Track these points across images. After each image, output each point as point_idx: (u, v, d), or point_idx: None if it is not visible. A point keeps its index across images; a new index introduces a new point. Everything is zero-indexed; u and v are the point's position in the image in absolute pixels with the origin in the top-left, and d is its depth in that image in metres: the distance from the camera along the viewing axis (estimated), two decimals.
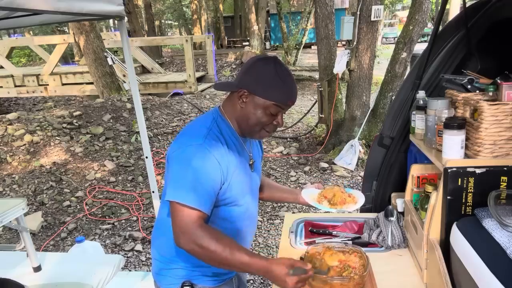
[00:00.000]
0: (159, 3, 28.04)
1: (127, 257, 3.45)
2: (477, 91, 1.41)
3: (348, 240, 1.80)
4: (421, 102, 1.61)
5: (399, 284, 1.47)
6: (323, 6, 5.50)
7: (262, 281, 3.09)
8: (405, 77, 3.52)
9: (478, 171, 1.28)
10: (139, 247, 3.59)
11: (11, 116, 6.24)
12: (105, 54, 7.83)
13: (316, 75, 10.01)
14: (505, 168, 1.27)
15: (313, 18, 11.49)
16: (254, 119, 1.31)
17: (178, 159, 1.28)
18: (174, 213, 1.25)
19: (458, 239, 1.23)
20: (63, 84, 9.58)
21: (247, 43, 17.82)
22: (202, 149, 1.26)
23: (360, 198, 1.55)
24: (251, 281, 3.06)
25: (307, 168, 5.33)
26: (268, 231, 3.83)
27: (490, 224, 1.17)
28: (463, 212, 1.32)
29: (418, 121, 1.65)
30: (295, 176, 5.11)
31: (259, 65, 1.30)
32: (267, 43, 21.28)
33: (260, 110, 1.30)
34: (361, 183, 3.41)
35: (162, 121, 6.84)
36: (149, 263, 3.37)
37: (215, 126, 1.34)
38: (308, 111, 7.39)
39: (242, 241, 1.43)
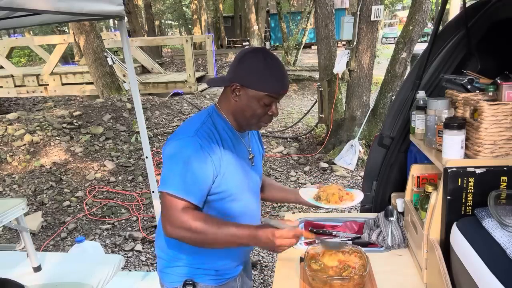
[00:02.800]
0: (159, 3, 28.03)
1: (127, 257, 3.45)
2: (477, 91, 1.41)
3: (348, 240, 1.80)
4: (421, 102, 1.61)
5: (399, 284, 1.47)
6: (323, 6, 5.50)
7: (262, 281, 3.10)
8: (405, 77, 3.51)
9: (478, 171, 1.28)
10: (139, 247, 3.59)
11: (11, 116, 6.24)
12: (105, 54, 7.83)
13: (316, 75, 10.01)
14: (505, 168, 1.27)
15: (313, 18, 11.49)
16: (250, 111, 1.33)
17: (169, 153, 1.30)
18: (163, 203, 1.27)
19: (458, 239, 1.23)
20: (63, 84, 9.57)
21: (247, 43, 17.82)
22: (192, 142, 1.27)
23: (358, 196, 1.54)
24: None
25: (307, 168, 5.33)
26: None
27: (490, 224, 1.17)
28: (463, 212, 1.32)
29: (418, 121, 1.65)
30: (295, 176, 5.11)
31: (248, 57, 1.32)
32: (267, 43, 21.28)
33: (254, 102, 1.31)
34: (361, 183, 3.41)
35: (162, 121, 6.84)
36: (149, 263, 3.37)
37: (209, 121, 1.36)
38: (308, 111, 7.40)
39: None
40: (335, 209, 1.57)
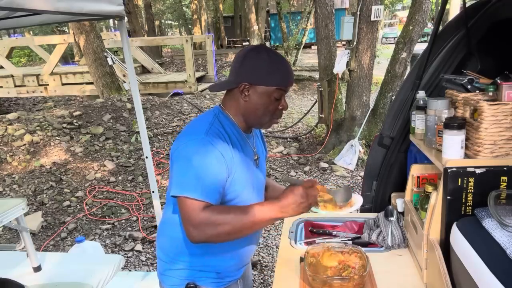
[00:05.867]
0: (159, 3, 28.03)
1: (127, 257, 3.45)
2: (477, 91, 1.41)
3: (348, 240, 1.80)
4: (421, 102, 1.61)
5: (399, 284, 1.47)
6: (323, 6, 5.50)
7: (262, 281, 3.10)
8: (405, 77, 3.51)
9: (478, 171, 1.28)
10: (139, 247, 3.59)
11: (11, 116, 6.24)
12: (105, 54, 7.83)
13: (316, 75, 10.01)
14: (505, 168, 1.27)
15: (313, 18, 11.48)
16: (262, 108, 1.32)
17: (181, 155, 1.27)
18: (182, 207, 1.23)
19: (458, 239, 1.23)
20: (63, 84, 9.58)
21: (247, 43, 17.81)
22: (205, 143, 1.25)
23: (357, 201, 1.54)
24: None
25: (307, 168, 5.33)
26: (268, 231, 3.83)
27: (490, 224, 1.17)
28: (463, 212, 1.32)
29: (418, 121, 1.65)
30: (295, 176, 5.11)
31: (251, 55, 1.31)
32: (267, 43, 21.27)
33: (265, 98, 1.31)
34: (361, 183, 3.41)
35: (162, 121, 6.84)
36: (149, 263, 3.37)
37: (217, 121, 1.34)
38: (308, 111, 7.39)
39: (247, 239, 1.42)
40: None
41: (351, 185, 4.80)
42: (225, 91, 1.40)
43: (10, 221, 2.37)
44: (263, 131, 1.57)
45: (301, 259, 1.56)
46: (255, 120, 1.36)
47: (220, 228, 1.20)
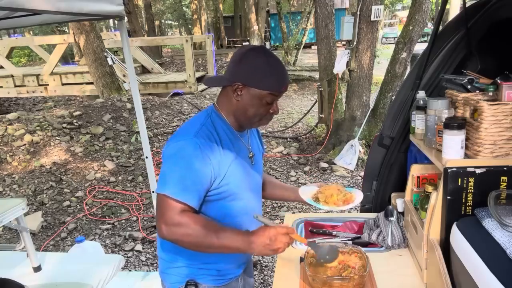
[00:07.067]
0: (159, 3, 28.02)
1: (127, 257, 3.45)
2: (477, 91, 1.41)
3: (348, 240, 1.80)
4: (421, 102, 1.61)
5: (399, 284, 1.47)
6: (323, 6, 5.50)
7: (262, 281, 3.10)
8: (405, 77, 3.52)
9: (478, 171, 1.28)
10: (139, 247, 3.59)
11: (11, 116, 6.24)
12: (105, 54, 7.83)
13: (316, 75, 10.01)
14: (505, 168, 1.27)
15: (313, 18, 11.49)
16: (252, 110, 1.33)
17: (168, 154, 1.29)
18: (160, 205, 1.25)
19: (458, 239, 1.23)
20: (63, 84, 9.57)
21: (247, 43, 17.80)
22: (192, 144, 1.26)
23: (357, 197, 1.54)
24: None
25: (307, 168, 5.33)
26: None
27: (490, 224, 1.17)
28: (463, 212, 1.32)
29: (418, 121, 1.65)
30: (295, 176, 5.11)
31: (249, 56, 1.31)
32: (267, 43, 21.28)
33: (256, 101, 1.31)
34: (361, 183, 3.41)
35: (162, 121, 6.84)
36: (149, 263, 3.37)
37: (209, 122, 1.35)
38: (308, 111, 7.40)
39: None
40: (334, 210, 1.57)
41: (351, 185, 4.79)
42: (221, 88, 1.40)
43: (10, 221, 2.37)
44: (260, 130, 1.57)
45: (301, 259, 1.56)
46: (245, 120, 1.37)
47: (189, 237, 1.22)
